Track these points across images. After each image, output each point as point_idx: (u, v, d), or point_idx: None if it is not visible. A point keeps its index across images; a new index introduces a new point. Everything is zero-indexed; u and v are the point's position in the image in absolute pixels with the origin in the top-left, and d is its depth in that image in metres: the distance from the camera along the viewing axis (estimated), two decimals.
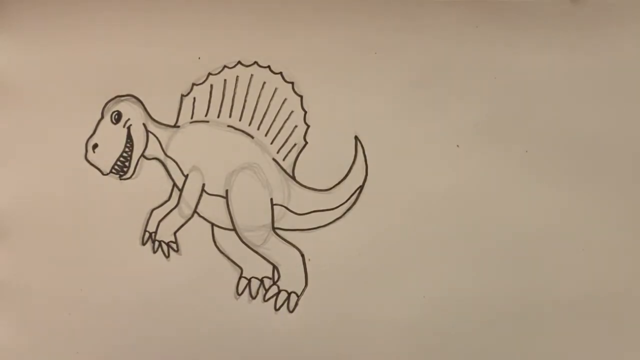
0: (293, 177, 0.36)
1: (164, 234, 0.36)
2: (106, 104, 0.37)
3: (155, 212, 0.36)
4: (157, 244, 0.36)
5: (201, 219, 0.36)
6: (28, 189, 0.36)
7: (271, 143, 0.36)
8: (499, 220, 0.34)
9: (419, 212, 0.34)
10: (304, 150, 0.35)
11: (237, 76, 0.36)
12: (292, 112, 0.36)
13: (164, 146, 0.36)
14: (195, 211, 0.36)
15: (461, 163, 0.34)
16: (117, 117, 0.37)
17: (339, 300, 0.35)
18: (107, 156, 0.36)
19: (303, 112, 0.36)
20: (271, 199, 0.36)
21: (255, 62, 0.36)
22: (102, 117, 0.37)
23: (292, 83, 0.36)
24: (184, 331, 0.34)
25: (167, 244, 0.36)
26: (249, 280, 0.35)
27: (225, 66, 0.36)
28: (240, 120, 0.36)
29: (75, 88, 0.37)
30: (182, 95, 0.36)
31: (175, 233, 0.36)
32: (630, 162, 0.35)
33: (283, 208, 0.36)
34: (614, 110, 0.36)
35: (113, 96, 0.37)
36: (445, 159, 0.34)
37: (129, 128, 0.36)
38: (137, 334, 0.34)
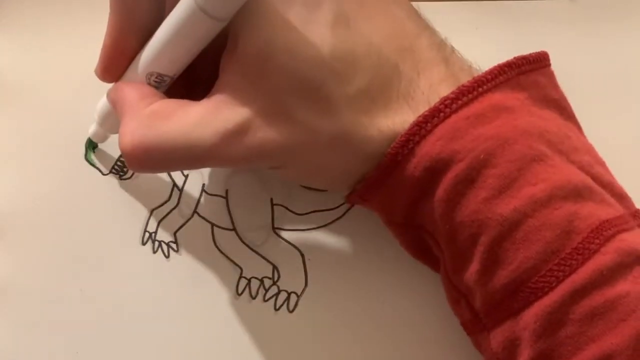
0: None
1: (164, 234, 0.36)
2: None
3: (155, 212, 0.36)
4: (157, 244, 0.36)
5: (201, 219, 0.36)
6: (27, 189, 0.36)
7: None
8: None
9: None
10: None
11: None
12: None
13: None
14: (195, 211, 0.36)
15: None
16: None
17: (339, 300, 0.35)
18: (107, 156, 0.36)
19: None
20: (271, 199, 0.36)
21: None
22: None
23: None
24: (184, 331, 0.34)
25: (167, 244, 0.36)
26: (249, 280, 0.35)
27: None
28: None
29: (75, 88, 0.37)
30: None
31: (175, 233, 0.36)
32: (632, 161, 0.35)
33: (283, 208, 0.36)
34: (614, 110, 0.36)
35: None
36: None
37: None
38: (137, 334, 0.34)
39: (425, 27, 0.28)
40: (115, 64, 0.29)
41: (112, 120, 0.32)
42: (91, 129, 0.34)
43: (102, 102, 0.32)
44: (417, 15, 0.28)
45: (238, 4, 0.24)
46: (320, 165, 0.27)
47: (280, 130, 0.26)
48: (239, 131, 0.25)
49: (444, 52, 0.28)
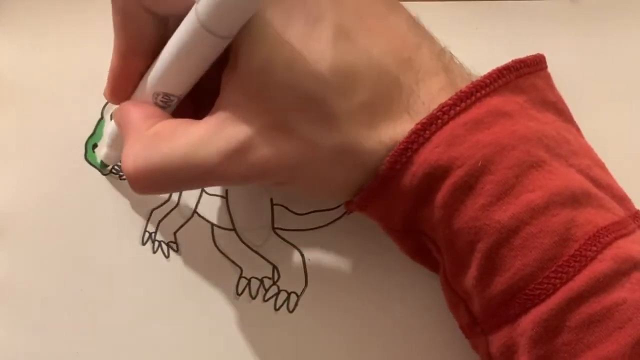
0: None
1: (164, 234, 0.36)
2: (106, 104, 0.37)
3: (155, 212, 0.36)
4: (157, 244, 0.36)
5: (201, 219, 0.36)
6: (27, 189, 0.36)
7: None
8: None
9: None
10: None
11: None
12: None
13: None
14: (195, 211, 0.36)
15: None
16: None
17: (339, 300, 0.35)
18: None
19: None
20: (271, 199, 0.36)
21: None
22: (102, 117, 0.37)
23: None
24: (184, 331, 0.35)
25: (167, 244, 0.36)
26: (249, 280, 0.35)
27: None
28: None
29: (75, 88, 0.37)
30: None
31: (175, 233, 0.36)
32: (632, 162, 0.35)
33: (283, 208, 0.36)
34: (614, 110, 0.36)
35: None
36: None
37: None
38: (137, 334, 0.34)
39: (425, 36, 0.28)
40: (122, 86, 0.29)
41: (122, 142, 0.31)
42: (103, 152, 0.35)
43: (112, 125, 0.32)
44: (416, 25, 0.28)
45: (241, 21, 0.24)
46: (323, 178, 0.27)
47: (282, 147, 0.26)
48: (242, 149, 0.25)
49: (444, 60, 0.28)
